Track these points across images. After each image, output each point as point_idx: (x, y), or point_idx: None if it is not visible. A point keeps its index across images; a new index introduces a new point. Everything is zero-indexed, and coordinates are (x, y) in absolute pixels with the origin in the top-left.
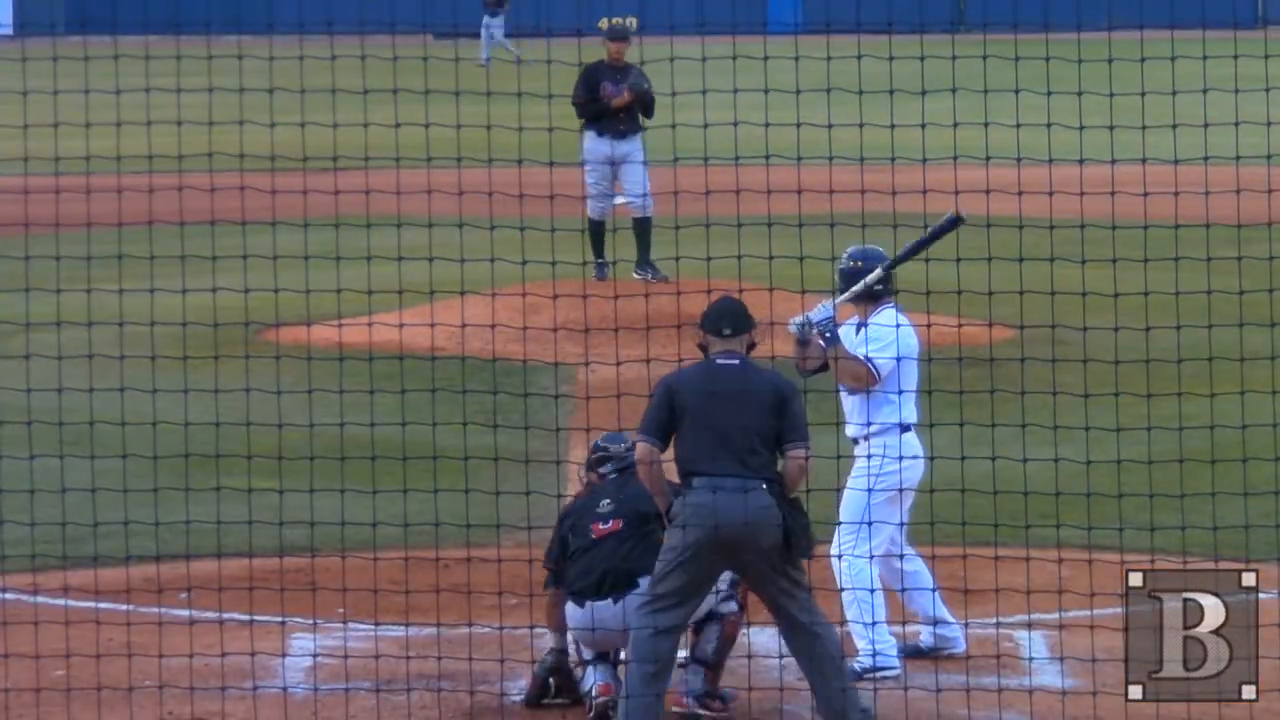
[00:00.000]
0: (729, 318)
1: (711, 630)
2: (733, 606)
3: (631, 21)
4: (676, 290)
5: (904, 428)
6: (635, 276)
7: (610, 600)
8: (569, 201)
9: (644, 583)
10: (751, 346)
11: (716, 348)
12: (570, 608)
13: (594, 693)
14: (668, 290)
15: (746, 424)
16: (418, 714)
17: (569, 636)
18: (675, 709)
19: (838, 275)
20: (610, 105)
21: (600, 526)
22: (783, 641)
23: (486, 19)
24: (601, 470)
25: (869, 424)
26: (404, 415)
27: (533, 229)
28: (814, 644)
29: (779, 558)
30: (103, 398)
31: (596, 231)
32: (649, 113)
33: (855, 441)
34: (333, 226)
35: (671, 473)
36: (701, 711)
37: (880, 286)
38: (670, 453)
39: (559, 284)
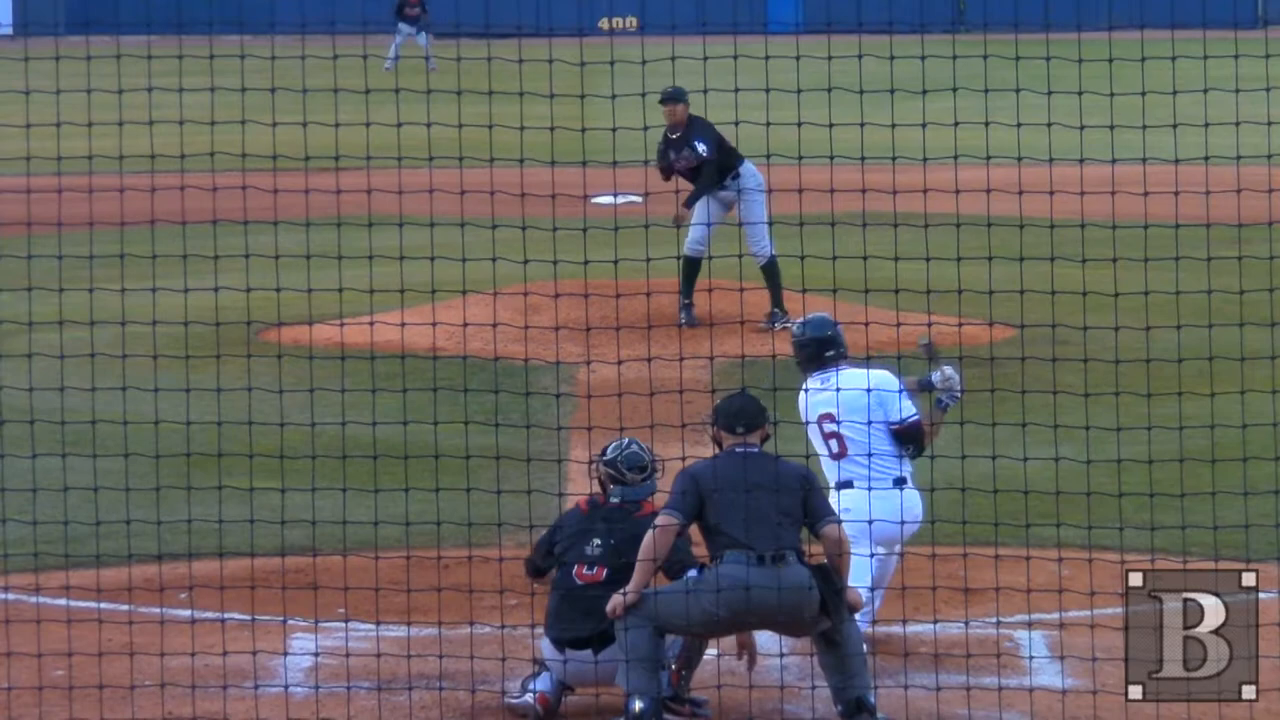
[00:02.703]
0: (743, 416)
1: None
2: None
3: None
4: (677, 289)
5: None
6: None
7: (590, 653)
8: (570, 201)
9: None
10: (765, 439)
11: (731, 442)
12: (547, 646)
13: (530, 698)
14: (668, 290)
15: (777, 503)
16: (419, 714)
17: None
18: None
19: (816, 346)
20: (679, 173)
21: (585, 572)
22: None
23: (401, 25)
24: (609, 492)
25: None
26: (405, 415)
27: (534, 228)
28: (841, 655)
29: (816, 622)
30: (105, 397)
31: (686, 269)
32: (714, 176)
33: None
34: (334, 226)
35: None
36: (666, 715)
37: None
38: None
39: (560, 284)
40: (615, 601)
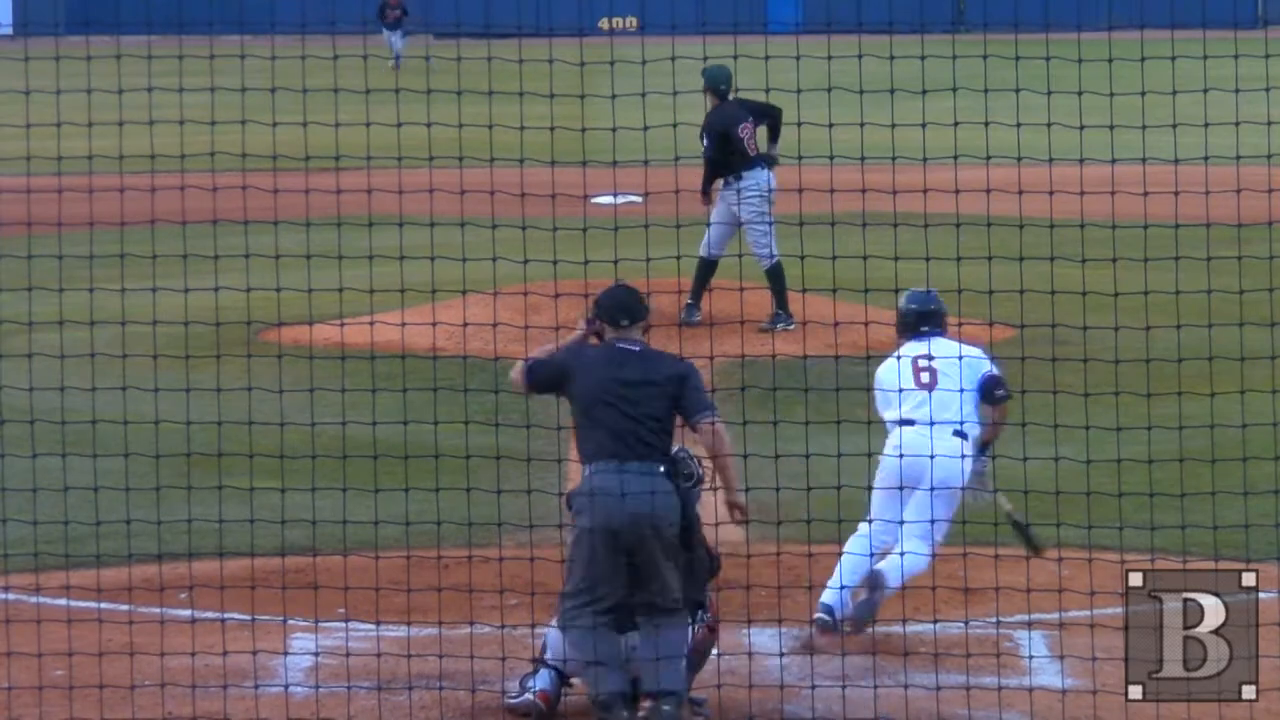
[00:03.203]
0: (626, 308)
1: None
2: (704, 618)
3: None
4: (677, 289)
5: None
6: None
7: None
8: (570, 201)
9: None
10: (646, 330)
11: (613, 335)
12: (552, 636)
13: (531, 695)
14: (668, 290)
15: (648, 411)
16: (419, 714)
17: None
18: (642, 706)
19: (915, 317)
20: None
21: None
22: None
23: (386, 32)
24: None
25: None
26: (406, 414)
27: (534, 228)
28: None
29: (673, 549)
30: (105, 397)
31: (697, 270)
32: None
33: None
34: (335, 226)
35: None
36: (665, 708)
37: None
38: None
39: (561, 283)
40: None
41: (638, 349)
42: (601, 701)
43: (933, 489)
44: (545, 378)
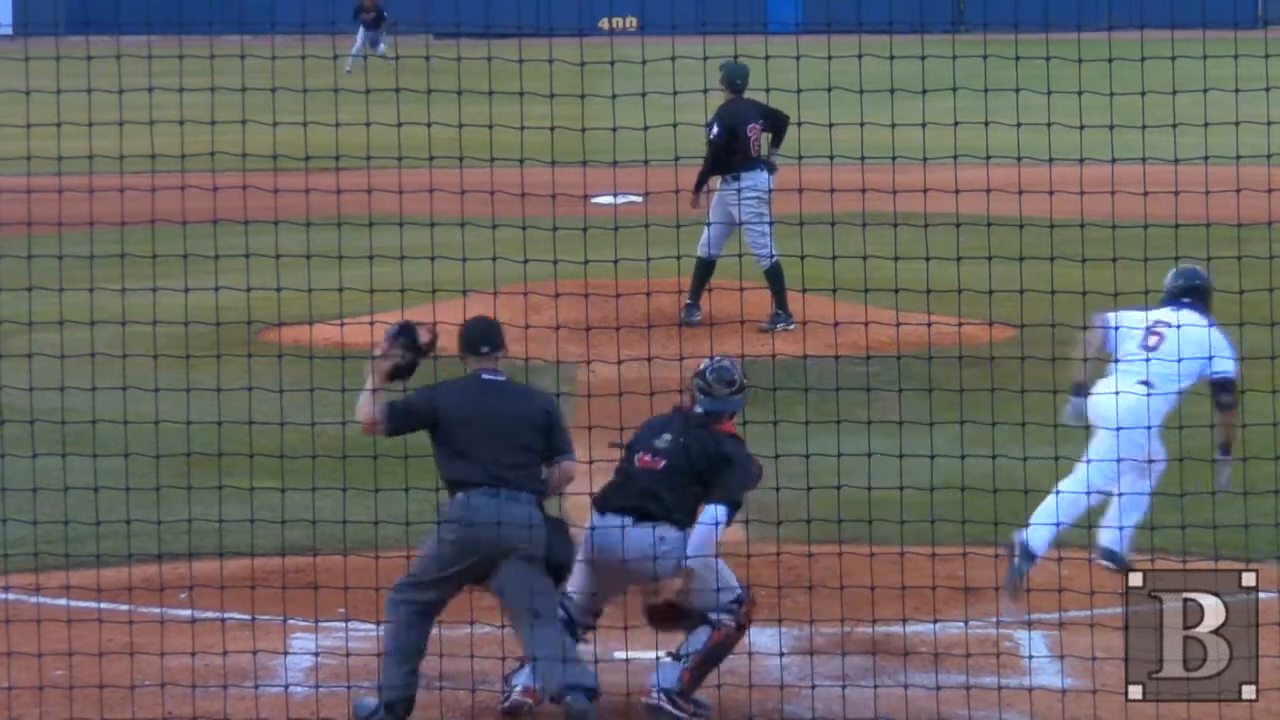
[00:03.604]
0: (488, 337)
1: (701, 633)
2: (730, 621)
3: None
4: (677, 289)
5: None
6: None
7: (627, 520)
8: (570, 201)
9: (659, 529)
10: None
11: (475, 366)
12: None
13: (518, 694)
14: (668, 290)
15: (520, 442)
16: (419, 713)
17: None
18: (642, 699)
19: (1179, 289)
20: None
21: (646, 458)
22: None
23: (363, 31)
24: (696, 400)
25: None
26: None
27: (534, 228)
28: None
29: (537, 567)
30: (105, 397)
31: (695, 270)
32: (708, 164)
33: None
34: (335, 226)
35: None
36: (666, 706)
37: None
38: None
39: (561, 283)
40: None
41: (502, 378)
42: (383, 693)
43: (1118, 430)
44: (406, 420)
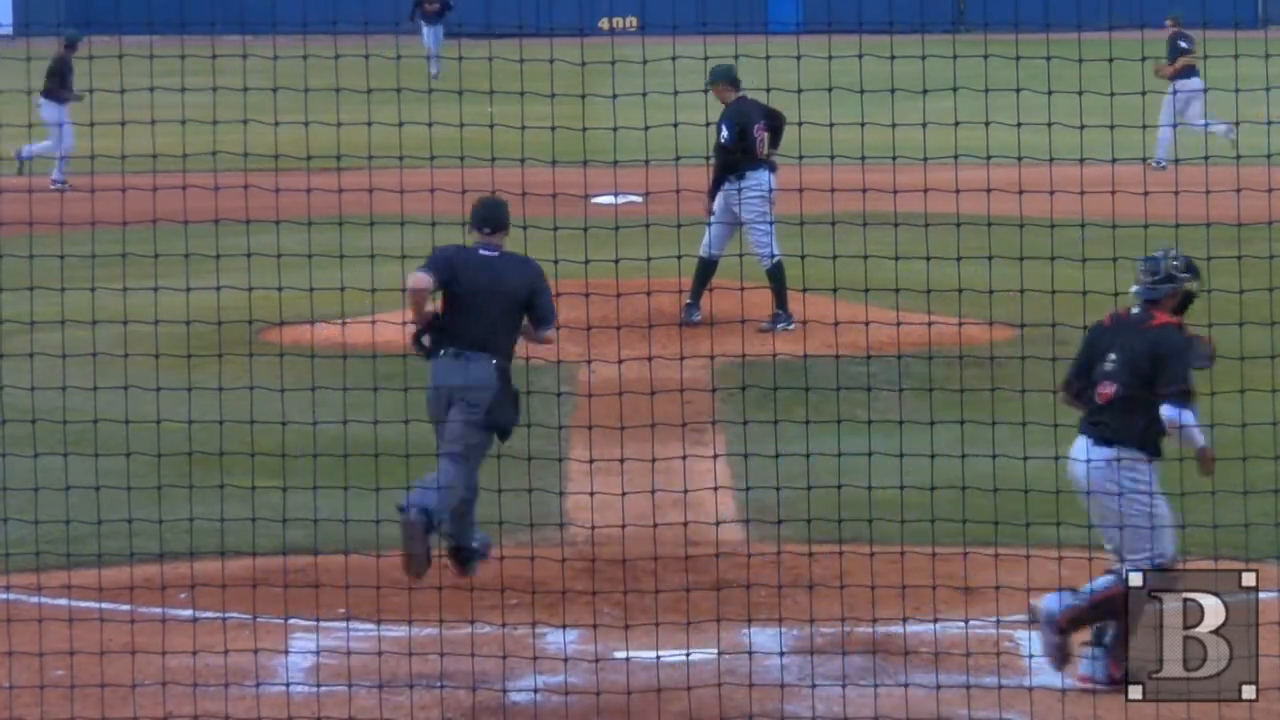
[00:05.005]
0: (490, 218)
1: (1109, 579)
2: (1109, 580)
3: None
4: (678, 289)
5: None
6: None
7: (1090, 442)
8: (571, 201)
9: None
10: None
11: (477, 240)
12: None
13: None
14: (669, 290)
15: (499, 305)
16: (419, 713)
17: None
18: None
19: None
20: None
21: (1102, 390)
22: None
23: (425, 27)
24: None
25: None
26: (407, 414)
27: (535, 228)
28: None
29: (475, 420)
30: (106, 396)
31: (697, 270)
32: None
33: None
34: (336, 225)
35: None
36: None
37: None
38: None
39: (561, 283)
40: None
41: (495, 254)
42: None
43: None
44: (446, 268)
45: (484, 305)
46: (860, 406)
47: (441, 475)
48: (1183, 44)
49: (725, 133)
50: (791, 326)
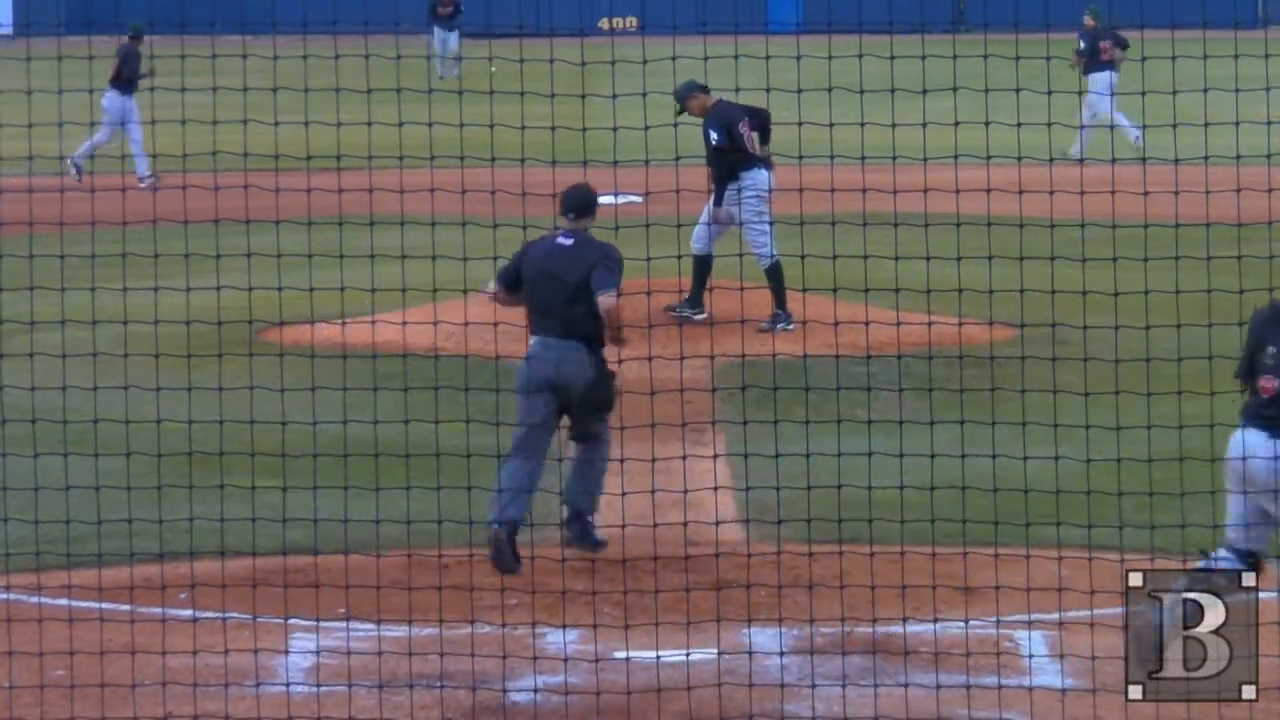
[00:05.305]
0: (572, 203)
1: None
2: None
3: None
4: (678, 289)
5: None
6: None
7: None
8: None
9: None
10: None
11: (560, 225)
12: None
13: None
14: (669, 290)
15: (566, 296)
16: (419, 713)
17: None
18: None
19: None
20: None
21: (1264, 383)
22: None
23: (438, 30)
24: None
25: None
26: (407, 414)
27: (535, 228)
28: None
29: (588, 402)
30: (106, 396)
31: (693, 268)
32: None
33: None
34: (336, 225)
35: None
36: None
37: None
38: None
39: None
40: None
41: (570, 242)
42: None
43: None
44: (514, 278)
45: (553, 294)
46: (860, 406)
47: (522, 477)
48: (1102, 40)
49: (715, 136)
50: (791, 326)
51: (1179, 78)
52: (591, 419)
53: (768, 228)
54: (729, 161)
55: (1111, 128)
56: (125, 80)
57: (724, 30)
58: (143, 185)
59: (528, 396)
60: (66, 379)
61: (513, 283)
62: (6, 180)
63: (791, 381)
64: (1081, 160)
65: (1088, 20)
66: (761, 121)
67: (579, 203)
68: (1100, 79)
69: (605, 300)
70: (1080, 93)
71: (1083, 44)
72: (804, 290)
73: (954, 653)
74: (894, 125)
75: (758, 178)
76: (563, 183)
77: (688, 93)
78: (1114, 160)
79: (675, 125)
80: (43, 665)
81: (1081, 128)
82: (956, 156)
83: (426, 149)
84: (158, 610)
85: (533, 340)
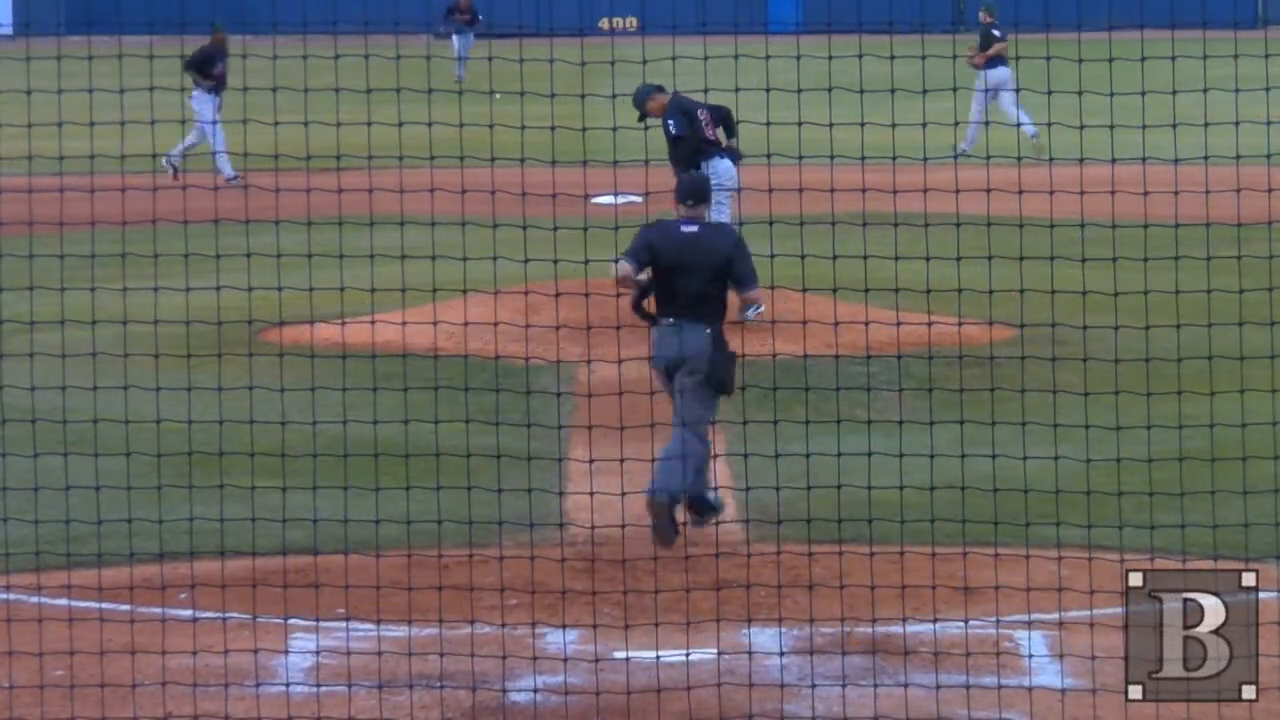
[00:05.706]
0: (692, 192)
1: None
2: None
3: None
4: None
5: None
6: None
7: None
8: (571, 201)
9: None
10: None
11: (681, 213)
12: None
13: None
14: None
15: (703, 273)
16: (419, 713)
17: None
18: None
19: None
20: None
21: None
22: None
23: (455, 36)
24: None
25: None
26: (406, 414)
27: (535, 228)
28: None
29: (709, 380)
30: (106, 396)
31: None
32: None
33: None
34: (336, 225)
35: None
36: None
37: None
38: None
39: (561, 283)
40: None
41: (695, 228)
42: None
43: None
44: (647, 256)
45: (689, 277)
46: (860, 406)
47: (676, 446)
48: (995, 33)
49: (673, 125)
50: (762, 309)
51: (1179, 78)
52: (704, 400)
53: (726, 214)
54: (691, 149)
55: (1017, 125)
56: (215, 79)
57: (724, 30)
58: (232, 185)
59: (662, 373)
60: (66, 379)
61: (645, 264)
62: (6, 180)
63: (791, 381)
64: (956, 158)
65: (984, 15)
66: (722, 116)
67: (697, 190)
68: (1000, 71)
69: (756, 295)
70: (1017, 90)
71: (997, 34)
72: (804, 290)
73: (954, 653)
74: (894, 125)
75: (719, 166)
76: (562, 183)
77: (644, 97)
78: (1114, 160)
79: (645, 129)
80: (43, 665)
81: (973, 123)
82: (956, 157)
83: (426, 149)
84: (157, 610)
85: (662, 320)
